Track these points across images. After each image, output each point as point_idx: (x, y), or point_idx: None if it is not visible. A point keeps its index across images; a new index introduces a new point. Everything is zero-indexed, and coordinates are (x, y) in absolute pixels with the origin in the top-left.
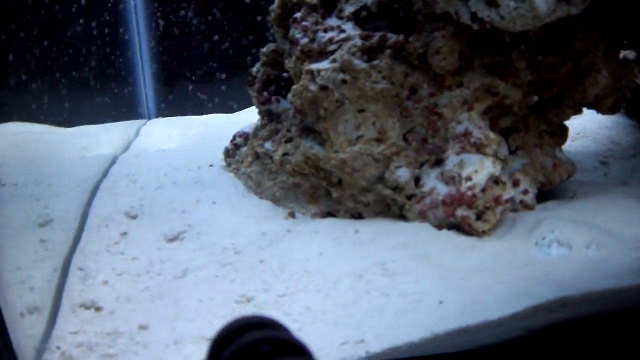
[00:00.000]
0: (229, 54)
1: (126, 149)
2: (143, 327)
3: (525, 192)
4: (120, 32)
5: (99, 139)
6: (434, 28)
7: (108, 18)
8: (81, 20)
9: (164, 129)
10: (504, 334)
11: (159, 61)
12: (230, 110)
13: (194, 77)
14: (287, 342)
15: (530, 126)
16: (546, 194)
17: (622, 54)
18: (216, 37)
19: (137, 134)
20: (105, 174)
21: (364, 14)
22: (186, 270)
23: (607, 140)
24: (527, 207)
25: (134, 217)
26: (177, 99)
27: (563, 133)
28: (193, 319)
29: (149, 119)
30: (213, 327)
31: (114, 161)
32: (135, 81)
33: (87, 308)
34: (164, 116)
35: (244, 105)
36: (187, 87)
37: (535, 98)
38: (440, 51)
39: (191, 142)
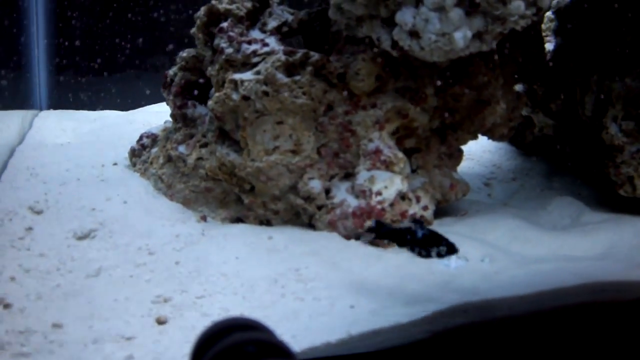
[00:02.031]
0: (127, 48)
1: (21, 140)
2: (57, 325)
3: (425, 208)
4: (16, 17)
5: None
6: (355, 50)
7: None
8: None
9: (58, 121)
10: (411, 335)
11: (57, 49)
12: (123, 106)
13: (89, 69)
14: (271, 343)
15: (431, 147)
16: (441, 210)
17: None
18: (114, 31)
19: (30, 125)
20: (4, 166)
21: (285, 29)
22: (99, 269)
23: (490, 164)
24: (426, 221)
25: (39, 212)
26: (69, 90)
27: (459, 155)
28: (109, 317)
29: (41, 109)
30: (130, 326)
31: (11, 152)
32: (28, 68)
33: None
34: (54, 108)
35: (136, 101)
36: (80, 79)
37: (438, 122)
38: (359, 72)
39: (88, 137)
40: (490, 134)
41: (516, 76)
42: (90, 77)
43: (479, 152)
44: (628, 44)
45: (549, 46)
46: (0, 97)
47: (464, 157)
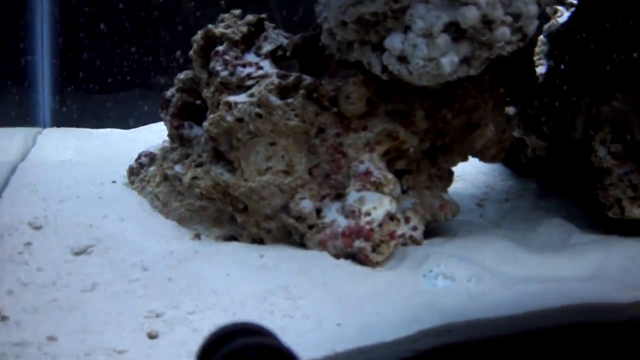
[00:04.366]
0: (132, 67)
1: (24, 157)
2: (51, 338)
3: (414, 228)
4: (21, 34)
5: None
6: (347, 74)
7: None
8: None
9: (61, 139)
10: (395, 354)
11: (61, 66)
12: (128, 124)
13: (94, 87)
14: (275, 348)
15: (421, 169)
16: (431, 231)
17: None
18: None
19: (33, 142)
20: (6, 182)
21: (279, 53)
22: (94, 284)
23: (483, 185)
24: (415, 242)
25: (38, 228)
26: (73, 108)
27: (449, 177)
28: (102, 331)
29: (44, 127)
30: (123, 339)
31: (13, 169)
32: (33, 85)
33: None
34: (58, 126)
35: (139, 120)
36: (85, 97)
37: (428, 144)
38: (350, 96)
39: (90, 155)
40: (481, 156)
41: (507, 99)
42: (95, 95)
43: (473, 173)
44: (617, 68)
45: (542, 69)
46: (5, 114)
47: (457, 178)
